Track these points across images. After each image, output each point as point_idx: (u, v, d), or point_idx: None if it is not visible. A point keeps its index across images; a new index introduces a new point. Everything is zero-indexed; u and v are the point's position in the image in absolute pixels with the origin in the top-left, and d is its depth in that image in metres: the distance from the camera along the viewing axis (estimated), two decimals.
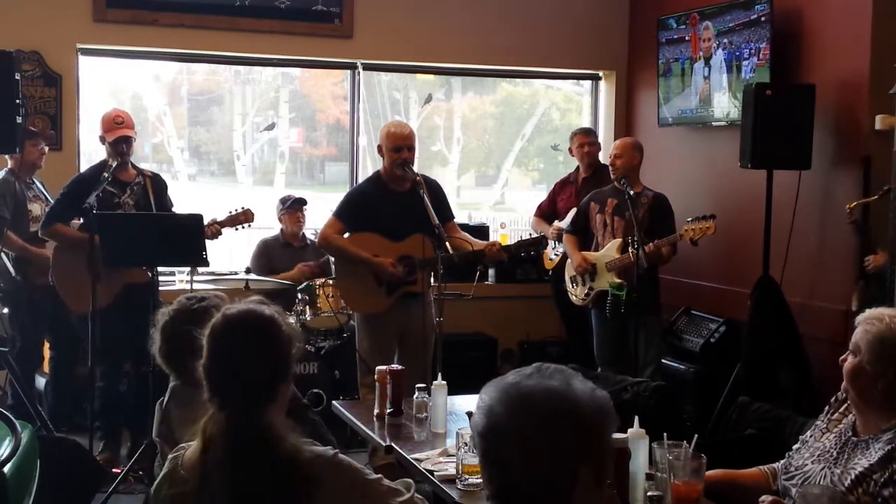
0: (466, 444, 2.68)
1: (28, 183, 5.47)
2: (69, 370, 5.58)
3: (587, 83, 7.38)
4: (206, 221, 4.94)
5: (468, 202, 9.05)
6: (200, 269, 5.53)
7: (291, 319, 4.65)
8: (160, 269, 4.91)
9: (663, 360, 5.58)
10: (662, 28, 6.28)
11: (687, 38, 6.07)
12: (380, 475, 2.08)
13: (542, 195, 6.84)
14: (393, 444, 3.20)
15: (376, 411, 3.54)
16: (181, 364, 2.54)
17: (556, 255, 6.08)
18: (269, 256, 6.13)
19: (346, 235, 4.91)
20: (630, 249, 5.04)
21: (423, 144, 7.60)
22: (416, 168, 4.91)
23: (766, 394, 4.38)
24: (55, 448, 3.98)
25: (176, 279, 6.00)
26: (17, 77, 4.66)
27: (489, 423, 1.54)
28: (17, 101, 4.61)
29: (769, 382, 4.89)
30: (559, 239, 5.85)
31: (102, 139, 5.08)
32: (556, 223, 6.01)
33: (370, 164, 6.84)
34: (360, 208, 4.89)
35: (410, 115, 8.35)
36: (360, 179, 6.33)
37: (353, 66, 6.70)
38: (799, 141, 4.97)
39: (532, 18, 6.80)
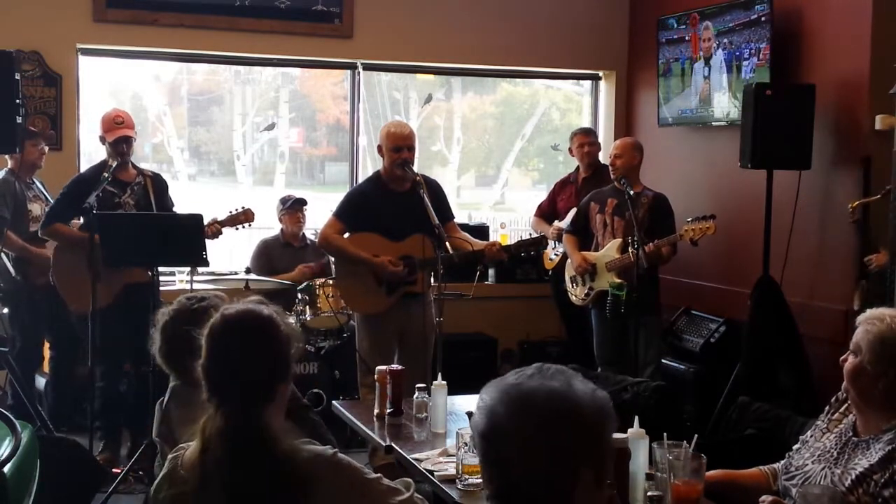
0: (466, 444, 2.68)
1: (28, 183, 5.47)
2: (69, 370, 5.58)
3: (587, 83, 7.38)
4: (206, 221, 4.94)
5: (468, 202, 9.05)
6: (200, 269, 5.53)
7: (291, 319, 4.66)
8: (160, 269, 4.91)
9: (663, 360, 5.58)
10: (662, 28, 6.28)
11: (687, 38, 6.07)
12: (379, 474, 2.08)
13: (542, 195, 6.84)
14: (393, 444, 3.20)
15: (376, 411, 3.54)
16: (181, 364, 2.54)
17: (556, 255, 6.08)
18: (270, 256, 6.13)
19: (347, 235, 4.91)
20: (630, 249, 5.04)
21: (423, 144, 7.60)
22: (416, 168, 4.91)
23: (766, 394, 4.38)
24: (55, 448, 3.98)
25: (176, 279, 6.00)
26: (17, 77, 4.67)
27: (490, 423, 1.54)
28: (17, 101, 4.61)
29: (769, 382, 4.89)
30: (559, 239, 5.84)
31: (102, 139, 5.08)
32: (556, 223, 6.01)
33: (370, 164, 6.84)
34: (360, 208, 4.89)
35: (410, 115, 8.35)
36: (360, 179, 6.33)
37: (353, 66, 6.70)
38: (799, 141, 4.97)
39: (532, 18, 6.80)
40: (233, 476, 1.95)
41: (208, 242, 4.86)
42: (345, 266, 4.94)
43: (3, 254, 5.30)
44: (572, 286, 5.55)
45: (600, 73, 7.16)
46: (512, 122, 8.89)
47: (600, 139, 6.54)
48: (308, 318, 5.54)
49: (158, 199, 5.13)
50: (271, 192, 8.39)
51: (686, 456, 2.49)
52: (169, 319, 2.60)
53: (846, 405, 2.64)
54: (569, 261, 5.55)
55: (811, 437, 2.69)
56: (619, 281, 5.13)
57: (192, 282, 5.40)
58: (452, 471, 2.80)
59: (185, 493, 2.01)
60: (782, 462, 2.74)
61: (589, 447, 1.53)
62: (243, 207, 5.27)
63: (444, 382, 3.39)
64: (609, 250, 5.29)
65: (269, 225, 6.33)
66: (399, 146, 4.79)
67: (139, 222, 4.90)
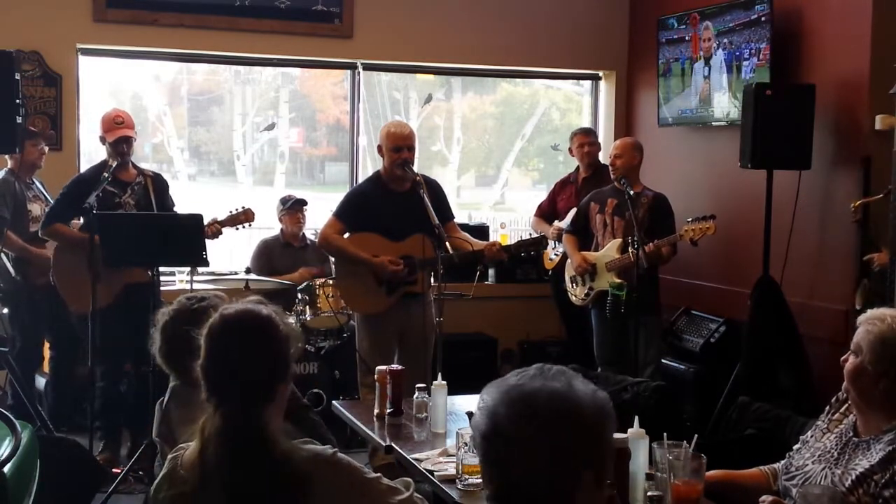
0: (466, 444, 2.68)
1: (28, 183, 5.48)
2: (69, 370, 5.58)
3: (587, 83, 7.38)
4: (206, 221, 4.94)
5: (468, 202, 9.06)
6: (200, 269, 5.53)
7: (291, 319, 4.67)
8: (160, 269, 4.90)
9: (663, 360, 5.58)
10: (662, 28, 6.28)
11: (687, 38, 6.07)
12: (379, 474, 2.08)
13: (542, 195, 6.84)
14: (393, 444, 3.20)
15: (376, 411, 3.54)
16: (181, 364, 2.53)
17: (556, 255, 6.08)
18: (270, 256, 6.13)
19: (347, 235, 4.91)
20: (630, 249, 5.04)
21: (423, 144, 7.60)
22: (416, 168, 4.91)
23: (766, 394, 4.38)
24: (55, 448, 3.98)
25: (176, 279, 6.00)
26: (17, 77, 4.66)
27: (491, 424, 1.54)
28: (17, 101, 4.60)
29: (769, 382, 4.89)
30: (559, 239, 5.84)
31: (103, 139, 5.08)
32: (556, 223, 6.01)
33: (370, 164, 6.84)
34: (360, 208, 4.89)
35: (410, 115, 8.35)
36: (360, 179, 6.33)
37: (353, 66, 6.70)
38: (799, 141, 4.97)
39: (532, 18, 6.80)
40: (232, 476, 1.95)
41: (208, 242, 4.86)
42: (345, 266, 4.94)
43: (2, 254, 5.30)
44: (572, 286, 5.55)
45: (600, 73, 7.16)
46: (512, 122, 8.89)
47: (600, 139, 6.54)
48: (308, 318, 5.54)
49: (159, 198, 5.13)
50: (271, 192, 8.39)
51: (686, 456, 2.49)
52: (169, 319, 2.60)
53: (846, 405, 2.64)
54: (569, 261, 5.55)
55: (811, 437, 2.68)
56: (619, 281, 5.13)
57: (192, 282, 5.40)
58: (452, 471, 2.79)
59: (184, 493, 2.01)
60: (782, 462, 2.74)
61: (590, 448, 1.53)
62: (243, 207, 5.27)
63: (444, 382, 3.38)
64: (609, 250, 5.29)
65: (269, 225, 6.33)
66: (399, 146, 4.79)
67: (139, 222, 4.90)
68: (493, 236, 6.66)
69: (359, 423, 3.54)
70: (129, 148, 5.08)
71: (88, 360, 4.95)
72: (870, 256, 4.64)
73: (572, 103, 8.20)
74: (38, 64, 5.95)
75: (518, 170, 9.22)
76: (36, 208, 5.44)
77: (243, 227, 5.30)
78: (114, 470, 4.66)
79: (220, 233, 5.14)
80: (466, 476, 2.70)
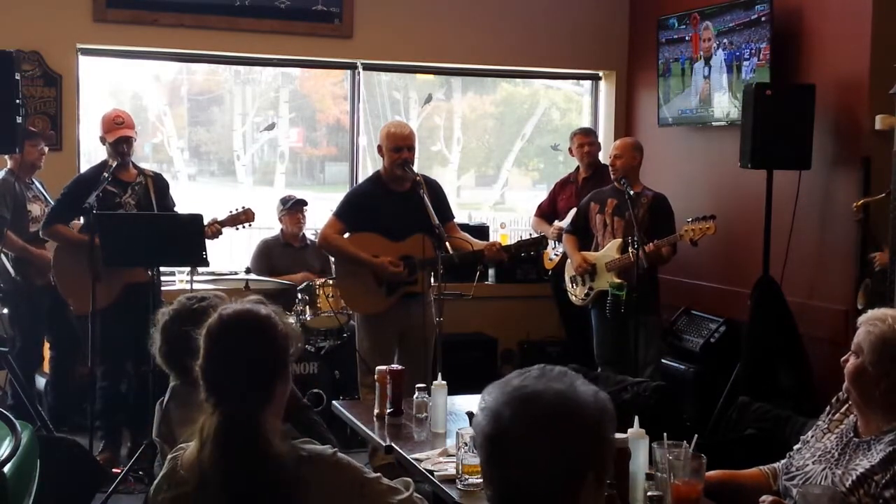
0: (466, 444, 2.68)
1: (28, 183, 5.48)
2: (69, 370, 5.58)
3: (587, 83, 7.38)
4: (206, 221, 4.94)
5: (468, 202, 9.05)
6: (200, 269, 5.53)
7: (291, 319, 4.66)
8: (160, 268, 4.90)
9: (663, 360, 5.58)
10: (662, 28, 6.28)
11: (687, 38, 6.07)
12: (378, 474, 2.08)
13: (542, 195, 6.84)
14: (393, 444, 3.20)
15: (376, 411, 3.54)
16: (181, 364, 2.53)
17: (556, 255, 6.08)
18: (270, 257, 6.13)
19: (347, 235, 4.91)
20: (630, 249, 5.04)
21: (423, 144, 7.60)
22: (416, 168, 4.91)
23: (766, 394, 4.38)
24: (55, 448, 3.98)
25: (176, 279, 6.00)
26: (17, 77, 4.66)
27: (495, 425, 1.54)
28: (17, 101, 4.60)
29: (769, 382, 4.89)
30: (559, 239, 5.84)
31: (103, 140, 5.08)
32: (557, 223, 6.01)
33: (370, 164, 6.84)
34: (360, 208, 4.89)
35: (410, 115, 8.35)
36: (360, 179, 6.33)
37: (353, 66, 6.70)
38: (799, 141, 4.97)
39: (532, 18, 6.80)
40: (229, 477, 1.95)
41: (208, 242, 4.86)
42: (345, 266, 4.94)
43: (2, 254, 5.30)
44: (572, 286, 5.55)
45: (600, 73, 7.16)
46: (512, 122, 8.89)
47: (600, 139, 6.54)
48: (308, 318, 5.54)
49: (159, 198, 5.13)
50: (271, 192, 8.39)
51: (686, 456, 2.49)
52: (169, 319, 2.60)
53: (847, 405, 2.64)
54: (569, 261, 5.55)
55: (812, 437, 2.68)
56: (619, 281, 5.13)
57: (192, 282, 5.40)
58: (452, 471, 2.80)
59: (184, 493, 2.01)
60: (782, 462, 2.74)
61: (593, 448, 1.54)
62: (244, 207, 5.27)
63: (444, 382, 3.38)
64: (609, 250, 5.29)
65: (269, 225, 6.33)
66: (399, 146, 4.79)
67: (139, 222, 4.90)
68: (493, 236, 6.66)
69: (359, 423, 3.54)
70: (130, 148, 5.08)
71: (88, 360, 4.95)
72: (872, 256, 4.64)
73: (572, 103, 8.20)
74: (38, 64, 5.95)
75: (518, 170, 9.21)
76: (36, 208, 5.44)
77: (243, 226, 5.30)
78: (114, 470, 4.66)
79: (220, 233, 5.15)
80: (466, 476, 2.70)
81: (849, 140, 5.10)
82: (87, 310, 4.77)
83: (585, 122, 7.24)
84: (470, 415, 3.09)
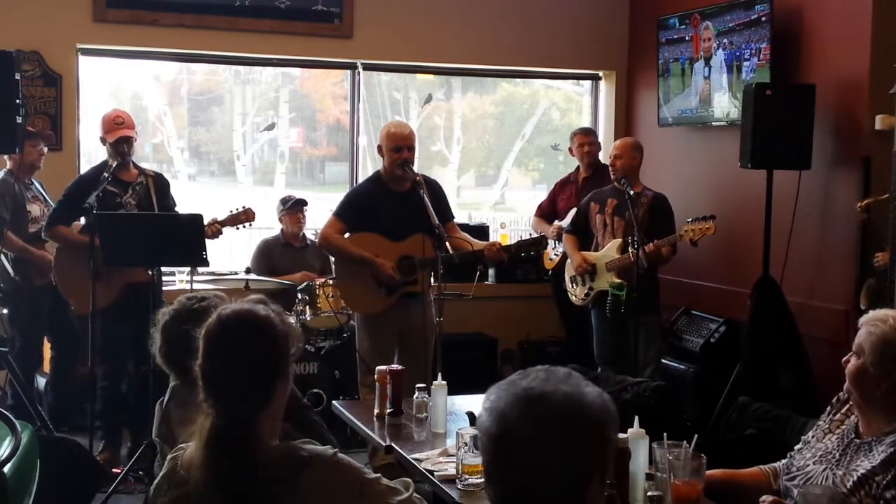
0: (466, 444, 2.68)
1: (27, 184, 5.48)
2: (69, 370, 5.58)
3: (587, 83, 7.38)
4: (206, 221, 4.94)
5: (468, 202, 9.05)
6: (200, 269, 5.53)
7: (291, 319, 4.65)
8: (160, 268, 4.91)
9: (663, 360, 5.58)
10: (662, 28, 6.28)
11: (687, 38, 6.07)
12: (378, 474, 2.08)
13: (542, 195, 6.84)
14: (393, 444, 3.20)
15: (376, 411, 3.54)
16: (181, 364, 2.53)
17: (556, 255, 6.08)
18: (270, 257, 6.13)
19: (347, 235, 4.91)
20: (630, 249, 5.04)
21: (423, 144, 7.60)
22: (416, 168, 4.91)
23: (766, 394, 4.38)
24: (55, 448, 3.98)
25: (176, 279, 6.00)
26: (17, 77, 4.66)
27: (502, 426, 1.53)
28: (17, 101, 4.60)
29: (769, 382, 4.89)
30: (559, 238, 5.84)
31: (103, 140, 5.09)
32: (557, 223, 6.01)
33: (370, 164, 6.84)
34: (360, 208, 4.89)
35: (410, 115, 8.35)
36: (360, 179, 6.33)
37: (353, 66, 6.70)
38: (799, 141, 4.97)
39: (532, 18, 6.80)
40: (225, 477, 1.95)
41: (208, 242, 4.86)
42: (345, 266, 4.94)
43: (2, 255, 5.31)
44: (572, 286, 5.55)
45: (600, 73, 7.16)
46: (512, 122, 8.89)
47: (600, 139, 6.54)
48: (308, 318, 5.54)
49: (160, 198, 5.13)
50: (271, 192, 8.39)
51: (686, 456, 2.49)
52: (169, 319, 2.60)
53: (848, 406, 2.64)
54: (569, 261, 5.55)
55: (813, 437, 2.68)
56: (619, 281, 5.13)
57: (192, 282, 5.40)
58: (452, 471, 2.79)
59: (184, 494, 2.01)
60: (783, 462, 2.74)
61: (599, 450, 1.54)
62: (244, 207, 5.27)
63: (444, 382, 3.38)
64: (609, 250, 5.29)
65: (269, 225, 6.33)
66: (399, 146, 4.79)
67: (139, 222, 4.90)
68: (493, 236, 6.65)
69: (359, 423, 3.54)
70: (130, 148, 5.08)
71: (88, 360, 4.95)
72: (875, 256, 4.63)
73: (572, 103, 8.20)
74: (38, 64, 5.95)
75: (518, 170, 9.21)
76: (35, 209, 5.44)
77: (244, 226, 5.31)
78: (114, 470, 4.66)
79: (221, 232, 5.15)
80: (466, 476, 2.70)
81: (849, 140, 5.10)
82: (88, 310, 4.78)
83: (585, 122, 7.24)
84: (470, 415, 3.09)
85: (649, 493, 2.48)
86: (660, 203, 5.31)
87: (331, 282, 5.47)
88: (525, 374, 1.58)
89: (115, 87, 7.99)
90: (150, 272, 4.76)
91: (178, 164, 8.96)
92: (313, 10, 6.37)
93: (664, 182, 5.78)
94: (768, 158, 4.98)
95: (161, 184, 5.21)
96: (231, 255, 6.79)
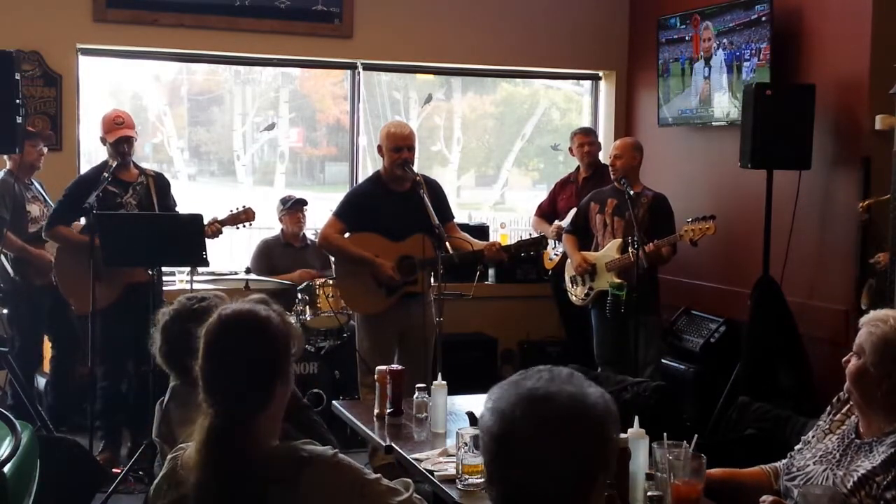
0: (466, 444, 2.67)
1: (27, 184, 5.48)
2: (70, 369, 5.58)
3: (587, 83, 7.38)
4: (205, 221, 4.94)
5: (468, 202, 9.06)
6: (200, 269, 5.53)
7: (292, 319, 4.65)
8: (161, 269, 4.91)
9: (663, 360, 5.58)
10: (662, 28, 6.28)
11: (687, 38, 6.07)
12: (379, 475, 2.08)
13: (542, 195, 6.84)
14: (393, 444, 3.20)
15: (376, 411, 3.54)
16: (181, 364, 2.53)
17: (556, 254, 6.08)
18: (270, 256, 6.13)
19: (347, 235, 4.91)
20: (630, 249, 5.04)
21: (423, 144, 7.60)
22: (416, 168, 4.91)
23: (766, 394, 4.38)
24: (55, 448, 3.98)
25: (176, 279, 6.00)
26: (17, 77, 4.66)
27: (504, 426, 1.53)
28: (17, 101, 4.60)
29: (769, 382, 4.89)
30: (559, 238, 5.84)
31: (103, 140, 5.09)
32: (557, 222, 6.00)
33: (370, 164, 6.84)
34: (360, 208, 4.89)
35: (410, 115, 8.35)
36: (360, 179, 6.33)
37: (353, 66, 6.70)
38: (799, 141, 4.97)
39: (532, 18, 6.80)
40: (223, 478, 1.95)
41: (208, 242, 4.86)
42: (345, 266, 4.94)
43: (1, 255, 5.31)
44: (572, 286, 5.55)
45: (600, 73, 7.16)
46: (512, 122, 8.89)
47: (600, 139, 6.54)
48: (308, 318, 5.54)
49: (161, 198, 5.13)
50: (271, 192, 8.39)
51: (686, 456, 2.48)
52: (169, 319, 2.60)
53: (848, 406, 2.64)
54: (569, 261, 5.55)
55: (813, 437, 2.68)
56: (619, 281, 5.13)
57: (192, 282, 5.40)
58: (452, 471, 2.79)
59: (184, 494, 2.01)
60: (783, 461, 2.74)
61: (601, 450, 1.54)
62: (244, 206, 5.27)
63: (444, 382, 3.38)
64: (609, 250, 5.29)
65: (269, 225, 6.33)
66: (399, 146, 4.79)
67: (139, 222, 4.90)
68: (493, 236, 6.65)
69: (359, 423, 3.54)
70: (130, 148, 5.08)
71: (88, 360, 4.95)
72: (877, 256, 4.62)
73: (572, 103, 8.20)
74: (38, 64, 5.95)
75: (518, 170, 9.21)
76: (35, 209, 5.44)
77: (244, 226, 5.31)
78: (114, 470, 4.66)
79: (221, 232, 5.15)
80: (466, 476, 2.70)
81: (849, 140, 5.10)
82: (88, 310, 4.78)
83: (585, 122, 7.24)
84: (470, 415, 3.09)
85: (649, 493, 2.48)
86: (660, 203, 5.31)
87: (331, 282, 5.47)
88: (528, 375, 1.58)
89: (115, 87, 7.99)
90: (150, 272, 4.76)
91: (178, 164, 8.96)
92: (313, 10, 6.37)
93: (664, 182, 5.78)
94: (768, 158, 4.98)
95: (161, 184, 5.21)
96: (231, 255, 6.79)
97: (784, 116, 4.92)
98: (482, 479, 2.65)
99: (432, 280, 4.85)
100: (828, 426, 2.67)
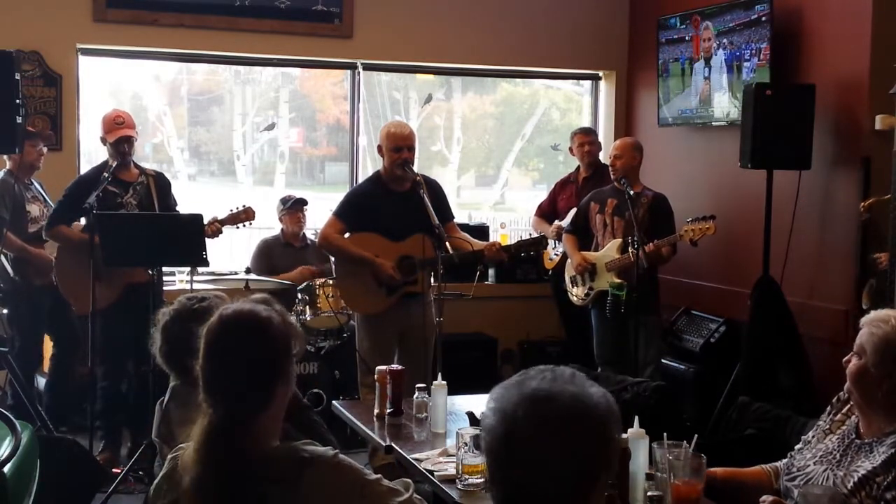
0: (466, 444, 2.67)
1: (27, 184, 5.48)
2: (69, 369, 5.58)
3: (587, 83, 7.38)
4: (206, 221, 4.94)
5: (468, 202, 9.05)
6: (200, 269, 5.53)
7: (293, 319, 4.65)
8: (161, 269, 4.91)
9: (663, 360, 5.58)
10: (662, 28, 6.28)
11: (687, 38, 6.07)
12: (379, 475, 2.08)
13: (542, 195, 6.84)
14: (393, 444, 3.20)
15: (376, 411, 3.54)
16: (181, 364, 2.53)
17: (556, 254, 6.08)
18: (270, 256, 6.13)
19: (347, 235, 4.91)
20: (630, 249, 5.04)
21: (423, 144, 7.60)
22: (416, 168, 4.91)
23: (766, 394, 4.38)
24: (55, 448, 3.98)
25: (176, 279, 6.00)
26: (17, 77, 4.66)
27: (507, 427, 1.52)
28: (17, 101, 4.60)
29: (769, 382, 4.89)
30: (559, 238, 5.84)
31: (104, 140, 5.09)
32: (557, 222, 6.01)
33: (370, 164, 6.84)
34: (360, 208, 4.89)
35: (410, 115, 8.35)
36: (360, 179, 6.34)
37: (353, 66, 6.70)
38: (799, 141, 4.97)
39: (532, 18, 6.80)
40: (225, 477, 1.95)
41: (208, 242, 4.86)
42: (345, 266, 4.94)
43: (1, 255, 5.31)
44: (572, 286, 5.55)
45: (600, 73, 7.16)
46: (512, 122, 8.89)
47: (600, 139, 6.54)
48: (308, 318, 5.54)
49: (161, 198, 5.13)
50: (271, 192, 8.39)
51: (686, 456, 2.49)
52: (169, 319, 2.60)
53: (848, 406, 2.64)
54: (569, 261, 5.55)
55: (813, 437, 2.68)
56: (618, 281, 5.13)
57: (192, 282, 5.40)
58: (452, 471, 2.79)
59: (184, 494, 2.01)
60: (783, 461, 2.74)
61: (604, 450, 1.54)
62: (244, 206, 5.27)
63: (444, 382, 3.38)
64: (609, 250, 5.29)
65: (269, 225, 6.33)
66: (399, 146, 4.79)
67: (139, 222, 4.90)
68: (493, 236, 6.65)
69: (359, 423, 3.54)
70: (131, 148, 5.08)
71: (88, 360, 4.95)
72: (877, 256, 4.62)
73: (572, 103, 8.20)
74: (38, 64, 5.95)
75: (518, 170, 9.21)
76: (35, 209, 5.44)
77: (244, 225, 5.31)
78: (114, 470, 4.66)
79: (221, 232, 5.15)
80: (466, 476, 2.70)
81: (849, 140, 5.10)
82: (88, 310, 4.78)
83: (585, 122, 7.24)
84: (470, 415, 3.09)
85: (649, 493, 2.48)
86: (660, 203, 5.31)
87: (331, 282, 5.47)
88: (530, 375, 1.57)
89: (115, 87, 7.99)
90: (150, 272, 4.76)
91: (178, 164, 8.96)
92: (313, 10, 6.37)
93: (664, 182, 5.78)
94: (768, 158, 4.98)
95: (162, 183, 5.21)
96: (231, 255, 6.79)
97: (784, 116, 4.92)
98: (482, 479, 2.66)
99: (432, 280, 4.85)
100: (828, 426, 2.67)
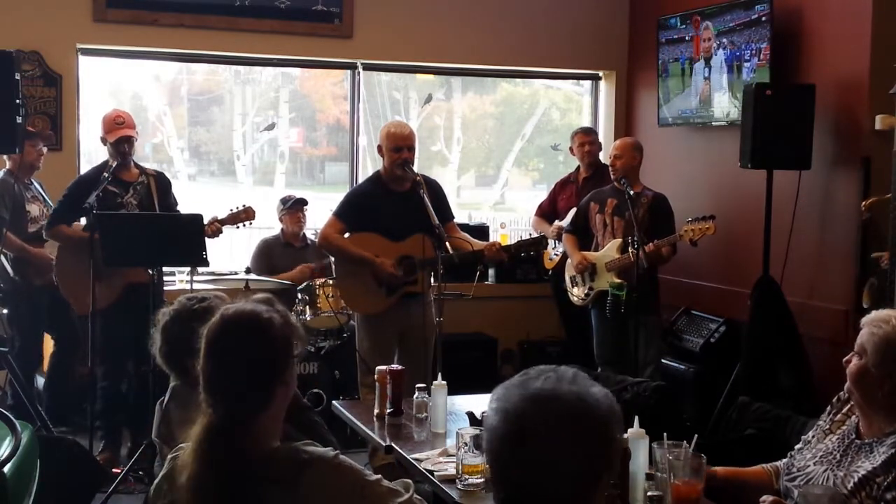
0: (466, 444, 2.67)
1: (27, 184, 5.48)
2: (69, 369, 5.58)
3: (587, 83, 7.38)
4: (206, 220, 4.94)
5: (468, 202, 9.05)
6: (200, 269, 5.53)
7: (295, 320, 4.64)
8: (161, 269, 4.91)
9: (663, 360, 5.58)
10: (662, 28, 6.28)
11: (687, 38, 6.07)
12: (379, 476, 2.08)
13: (542, 195, 6.84)
14: (393, 444, 3.20)
15: (376, 411, 3.54)
16: (181, 364, 2.54)
17: (556, 254, 6.08)
18: (270, 256, 6.12)
19: (347, 235, 4.91)
20: (630, 249, 5.04)
21: (423, 144, 7.60)
22: (416, 168, 4.91)
23: (766, 394, 4.38)
24: (55, 448, 3.98)
25: (176, 279, 6.00)
26: (17, 77, 4.66)
27: (509, 427, 1.52)
28: (17, 101, 4.60)
29: (769, 382, 4.89)
30: (559, 238, 5.84)
31: (104, 140, 5.09)
32: (557, 222, 6.00)
33: (370, 164, 6.84)
34: (360, 208, 4.89)
35: (410, 115, 8.35)
36: (360, 179, 6.34)
37: (353, 66, 6.70)
38: (799, 141, 4.97)
39: (532, 18, 6.80)
40: (226, 477, 1.95)
41: (208, 242, 4.86)
42: (345, 266, 4.94)
43: (1, 255, 5.31)
44: (572, 286, 5.55)
45: (600, 73, 7.16)
46: (512, 122, 8.89)
47: (600, 139, 6.54)
48: (308, 318, 5.54)
49: (161, 198, 5.13)
50: (271, 192, 8.39)
51: (686, 456, 2.49)
52: (169, 320, 2.60)
53: (849, 406, 2.64)
54: (569, 261, 5.55)
55: (813, 437, 2.68)
56: (618, 281, 5.13)
57: (192, 282, 5.40)
58: (452, 471, 2.79)
59: (184, 494, 2.01)
60: (784, 461, 2.74)
61: (605, 449, 1.54)
62: (244, 205, 5.27)
63: (444, 382, 3.38)
64: (609, 250, 5.29)
65: (269, 225, 6.33)
66: (399, 146, 4.79)
67: (139, 222, 4.90)
68: (493, 236, 6.65)
69: (359, 423, 3.54)
70: (131, 148, 5.08)
71: (88, 360, 4.95)
72: (878, 256, 4.62)
73: (572, 103, 8.20)
74: (38, 64, 5.95)
75: (518, 170, 9.21)
76: (34, 209, 5.45)
77: (244, 225, 5.31)
78: (114, 470, 4.66)
79: (221, 231, 5.15)
80: (466, 476, 2.70)
81: (849, 140, 5.10)
82: (88, 310, 4.78)
83: (585, 122, 7.23)
84: (470, 415, 3.09)
85: (649, 493, 2.48)
86: (660, 203, 5.31)
87: (331, 282, 5.47)
88: (532, 375, 1.57)
89: (115, 87, 7.99)
90: (150, 272, 4.76)
91: (178, 164, 8.96)
92: (313, 10, 6.37)
93: (664, 182, 5.78)
94: (768, 158, 4.98)
95: (162, 183, 5.21)
96: (231, 255, 6.79)
97: (784, 116, 4.92)
98: (482, 479, 2.66)
99: (432, 280, 4.85)
100: (828, 426, 2.67)
